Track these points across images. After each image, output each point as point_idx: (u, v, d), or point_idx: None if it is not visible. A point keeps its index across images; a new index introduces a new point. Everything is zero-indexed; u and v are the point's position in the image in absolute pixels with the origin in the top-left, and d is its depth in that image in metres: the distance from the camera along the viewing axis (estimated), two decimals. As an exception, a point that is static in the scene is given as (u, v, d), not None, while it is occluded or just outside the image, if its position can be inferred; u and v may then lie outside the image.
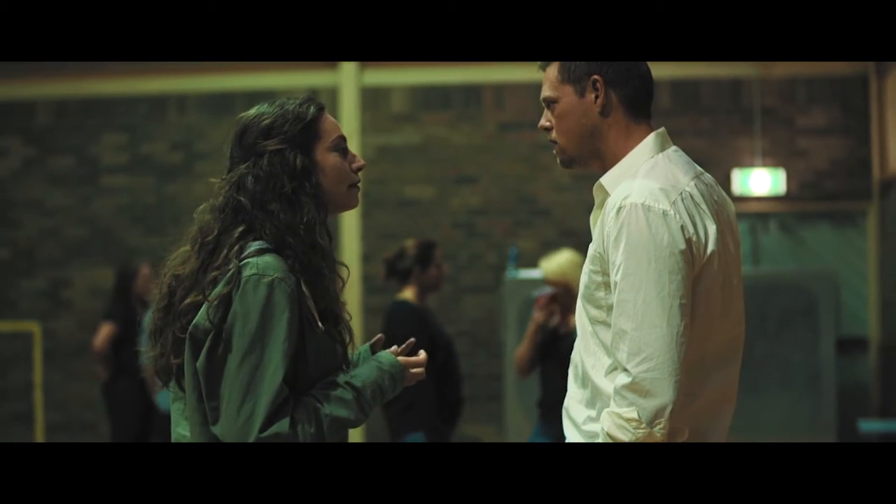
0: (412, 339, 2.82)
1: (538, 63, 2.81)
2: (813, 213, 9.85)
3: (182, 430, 2.63)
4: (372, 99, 10.09)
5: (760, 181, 9.71)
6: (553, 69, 2.77)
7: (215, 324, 2.51)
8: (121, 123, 10.33)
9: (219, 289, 2.53)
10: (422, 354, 2.79)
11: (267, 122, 2.66)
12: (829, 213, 9.85)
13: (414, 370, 2.75)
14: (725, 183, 9.58)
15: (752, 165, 9.77)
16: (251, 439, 2.46)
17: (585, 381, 2.72)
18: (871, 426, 8.13)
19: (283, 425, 2.48)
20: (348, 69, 10.01)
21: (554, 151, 2.82)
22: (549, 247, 9.70)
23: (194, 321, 2.54)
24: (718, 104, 9.88)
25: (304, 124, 2.67)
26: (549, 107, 2.78)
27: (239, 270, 2.53)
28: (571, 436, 2.74)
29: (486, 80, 10.04)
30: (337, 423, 2.56)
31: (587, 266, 2.71)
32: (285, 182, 2.62)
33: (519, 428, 8.30)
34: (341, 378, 2.62)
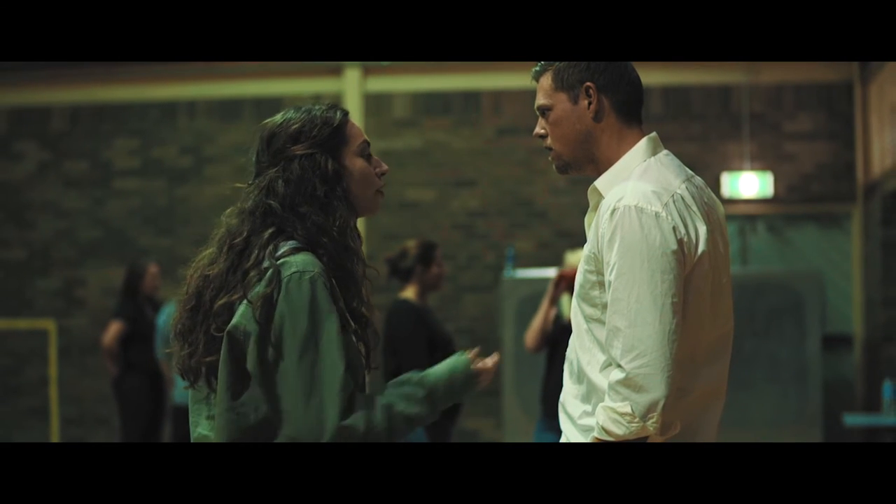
0: (496, 355, 2.73)
1: (531, 72, 2.82)
2: (799, 215, 9.88)
3: (203, 430, 2.58)
4: (375, 105, 10.13)
5: (749, 184, 9.74)
6: (546, 78, 2.78)
7: (261, 325, 2.46)
8: (133, 128, 10.41)
9: (259, 289, 2.48)
10: (491, 360, 2.71)
11: (296, 126, 2.61)
12: (815, 215, 9.88)
13: (484, 376, 2.67)
14: (715, 186, 9.58)
15: (740, 169, 9.80)
16: (326, 437, 2.43)
17: (581, 376, 2.73)
18: (855, 420, 8.08)
19: (356, 419, 2.46)
20: (352, 76, 10.06)
21: (550, 158, 2.83)
22: (546, 248, 9.91)
23: (234, 322, 2.49)
24: (708, 110, 9.92)
25: (333, 129, 2.62)
26: (543, 115, 2.80)
27: (278, 270, 2.48)
28: (567, 430, 2.76)
29: (484, 87, 10.08)
30: (408, 420, 2.54)
31: (582, 266, 2.72)
32: (317, 185, 2.58)
33: (517, 422, 8.40)
34: (414, 376, 2.59)
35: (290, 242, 2.55)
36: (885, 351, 9.19)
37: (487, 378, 2.69)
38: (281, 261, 2.51)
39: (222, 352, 2.50)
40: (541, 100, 2.80)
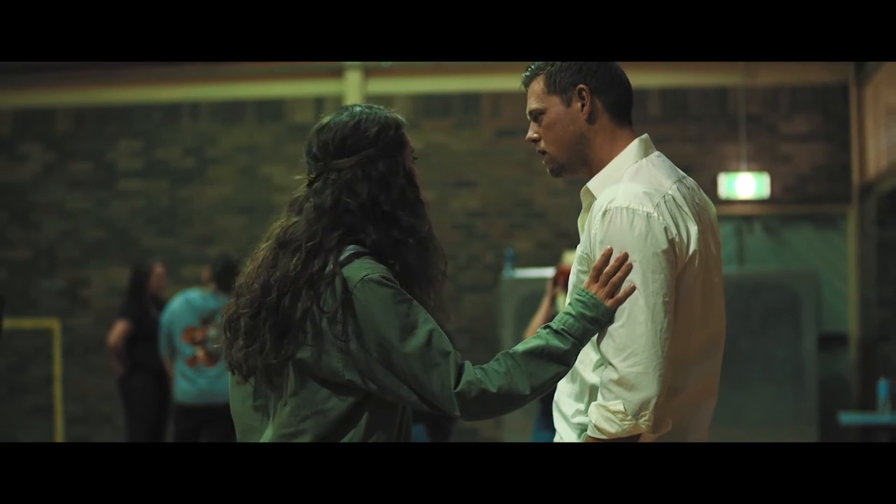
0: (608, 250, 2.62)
1: (521, 77, 2.82)
2: (796, 216, 9.92)
3: (250, 421, 2.61)
4: (375, 107, 10.31)
5: (746, 185, 9.79)
6: (538, 82, 2.78)
7: (350, 338, 2.48)
8: (136, 130, 10.47)
9: (331, 303, 2.48)
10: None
11: (374, 129, 2.59)
12: (811, 216, 9.92)
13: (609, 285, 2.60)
14: (712, 187, 9.66)
15: (737, 170, 9.85)
16: (454, 408, 2.46)
17: (574, 375, 2.74)
18: (851, 419, 8.18)
19: (471, 378, 2.47)
20: (353, 78, 10.10)
21: (543, 161, 2.83)
22: (544, 248, 9.98)
23: (321, 352, 2.49)
24: (705, 112, 9.96)
25: (401, 134, 2.64)
26: (536, 119, 2.79)
27: (343, 278, 2.50)
28: (561, 428, 2.77)
29: (484, 89, 10.13)
30: (537, 354, 2.55)
31: (575, 266, 2.74)
32: (405, 187, 2.60)
33: (516, 420, 8.37)
34: (542, 331, 2.61)
35: (351, 247, 2.55)
36: (880, 350, 9.25)
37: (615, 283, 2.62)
38: (343, 267, 2.51)
39: (327, 364, 2.49)
40: (533, 104, 2.80)
